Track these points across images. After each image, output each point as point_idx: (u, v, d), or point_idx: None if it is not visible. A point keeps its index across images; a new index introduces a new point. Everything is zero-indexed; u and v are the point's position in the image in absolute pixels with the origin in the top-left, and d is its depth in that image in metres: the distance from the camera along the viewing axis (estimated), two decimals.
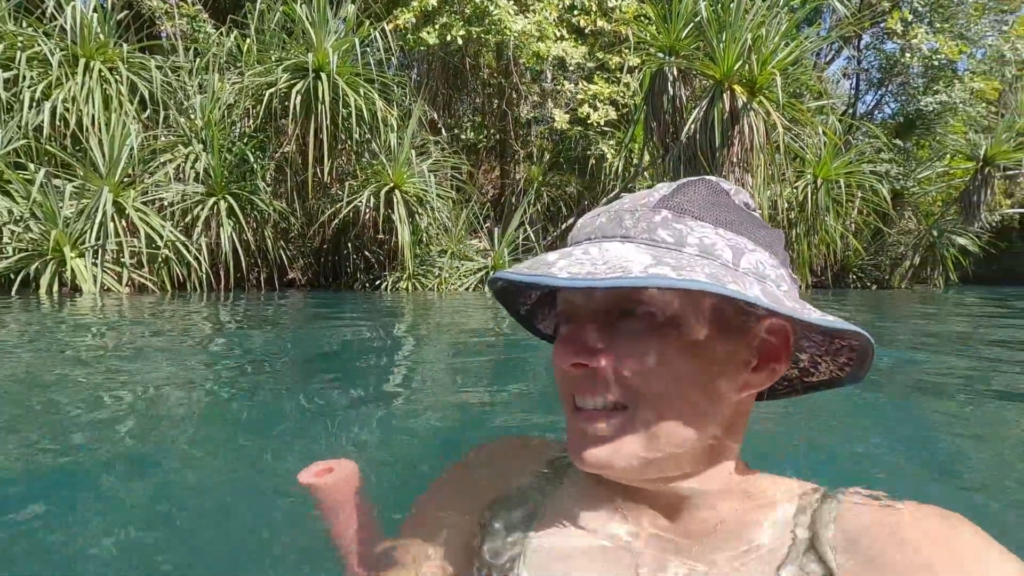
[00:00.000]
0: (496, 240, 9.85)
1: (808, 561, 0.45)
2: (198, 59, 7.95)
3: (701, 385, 0.47)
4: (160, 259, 6.71)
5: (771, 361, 0.50)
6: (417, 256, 8.71)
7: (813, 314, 0.45)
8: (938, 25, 13.36)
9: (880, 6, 13.67)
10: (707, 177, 0.51)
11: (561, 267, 0.43)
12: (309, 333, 3.52)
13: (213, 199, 7.11)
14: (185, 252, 6.79)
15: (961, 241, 12.84)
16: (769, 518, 0.49)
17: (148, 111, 7.39)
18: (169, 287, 6.77)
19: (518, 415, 1.70)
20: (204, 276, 6.93)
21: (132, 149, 6.61)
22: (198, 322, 3.88)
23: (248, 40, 8.06)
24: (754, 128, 6.87)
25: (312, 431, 1.41)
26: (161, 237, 6.66)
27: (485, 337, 3.42)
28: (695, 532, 0.50)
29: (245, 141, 7.69)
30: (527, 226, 10.51)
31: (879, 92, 15.78)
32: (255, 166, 7.63)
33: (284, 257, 8.08)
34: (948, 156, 13.44)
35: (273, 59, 7.82)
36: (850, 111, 15.38)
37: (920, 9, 13.26)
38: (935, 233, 12.83)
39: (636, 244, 0.46)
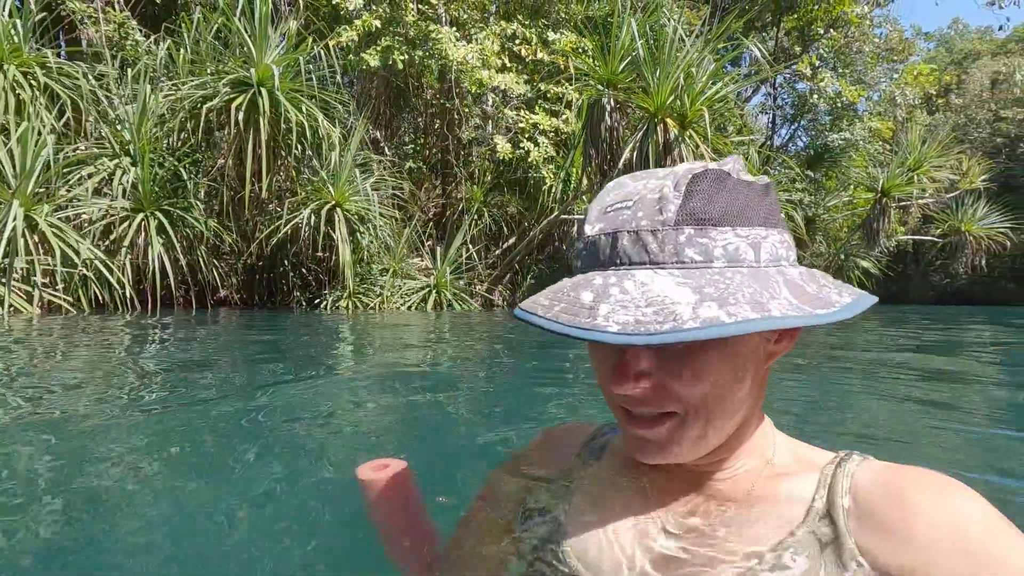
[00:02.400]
0: (439, 259, 9.88)
1: (822, 525, 0.48)
2: (127, 68, 7.57)
3: (741, 380, 0.50)
4: (77, 278, 6.27)
5: (790, 329, 0.53)
6: (358, 275, 8.59)
7: (832, 309, 0.46)
8: (840, 70, 14.84)
9: (792, 50, 15.01)
10: (709, 166, 0.50)
11: (605, 314, 0.44)
12: (237, 353, 3.42)
13: (141, 215, 6.74)
14: (106, 271, 6.37)
15: (864, 264, 14.16)
16: (788, 486, 0.52)
17: (65, 119, 6.94)
18: (87, 307, 6.33)
19: (467, 431, 1.77)
20: (127, 296, 6.53)
21: (48, 160, 6.19)
22: (113, 343, 3.68)
23: (182, 51, 7.77)
24: (684, 158, 7.35)
25: (232, 457, 1.40)
26: (78, 255, 6.23)
27: (426, 357, 3.47)
28: (718, 499, 0.53)
29: (178, 156, 7.36)
30: (469, 245, 10.61)
31: (792, 127, 17.22)
32: (188, 182, 7.32)
33: (216, 275, 7.75)
34: (852, 187, 14.85)
35: (209, 72, 7.58)
36: (768, 143, 16.68)
37: (825, 55, 14.68)
38: (843, 256, 14.09)
39: (668, 271, 0.46)
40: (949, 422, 1.89)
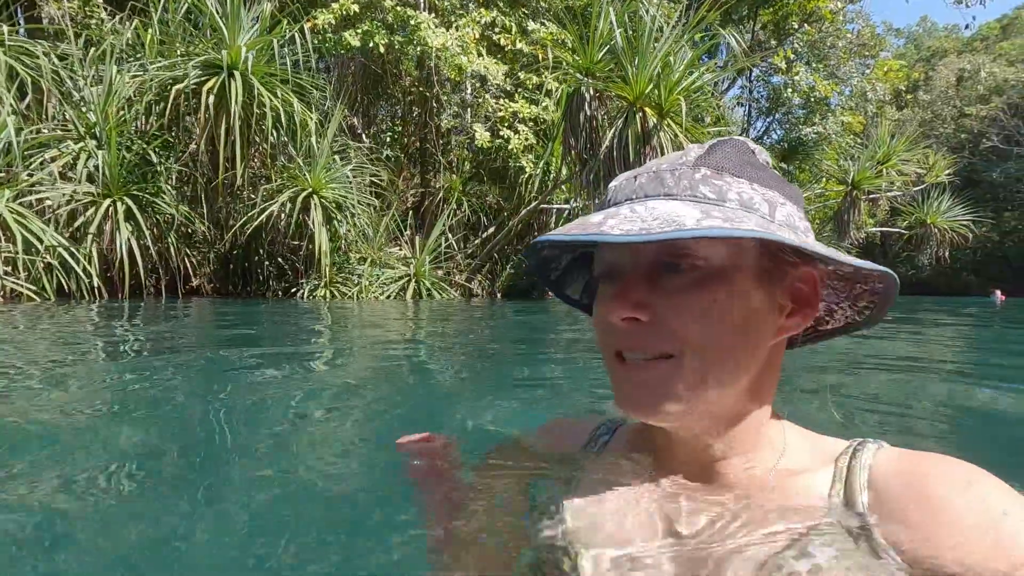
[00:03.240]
0: (418, 248, 9.81)
1: (846, 516, 0.46)
2: (92, 48, 7.29)
3: (743, 332, 0.48)
4: (41, 266, 6.05)
5: (804, 306, 0.52)
6: (335, 264, 8.48)
7: (847, 258, 0.48)
8: (814, 64, 15.10)
9: (768, 44, 15.22)
10: (736, 137, 0.53)
11: (612, 225, 0.45)
12: (208, 343, 3.35)
13: (108, 201, 6.53)
14: (70, 258, 6.16)
15: None
16: (804, 480, 0.49)
17: (28, 101, 6.67)
18: (52, 295, 6.13)
19: (450, 422, 1.77)
20: (94, 284, 6.34)
21: (11, 144, 5.94)
22: (75, 333, 3.57)
23: (150, 31, 7.51)
24: (663, 148, 7.41)
25: (199, 454, 1.37)
26: (41, 242, 6.01)
27: (405, 347, 3.45)
28: (727, 487, 0.51)
29: (147, 140, 7.14)
30: (448, 234, 10.56)
31: (768, 120, 17.49)
32: (159, 167, 7.11)
33: (188, 263, 7.56)
34: (824, 179, 15.16)
35: (179, 53, 7.35)
36: (743, 135, 16.92)
37: (800, 49, 14.91)
38: None
39: (681, 201, 0.48)
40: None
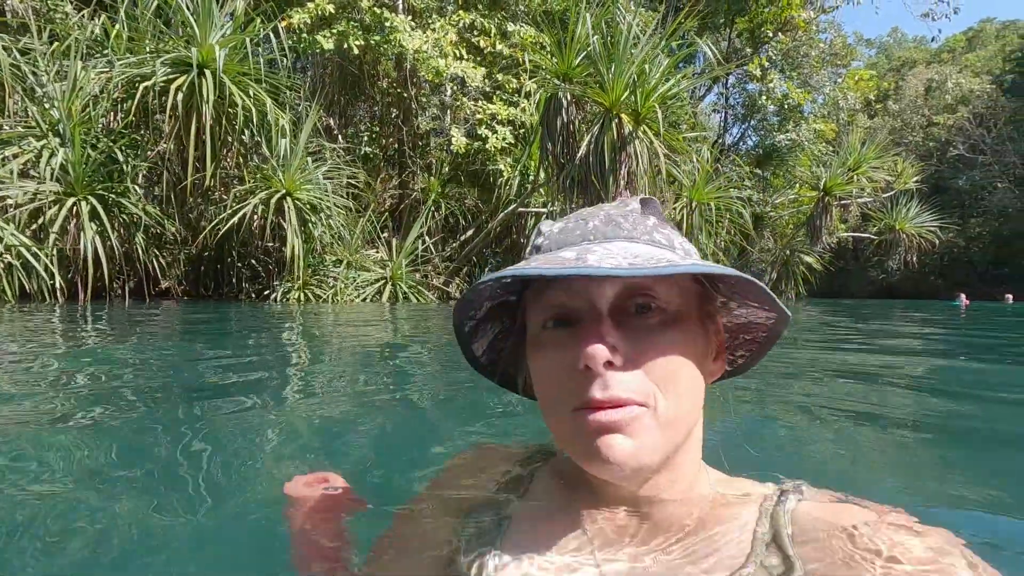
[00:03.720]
0: (395, 251, 9.74)
1: (769, 555, 0.45)
2: (56, 43, 7.09)
3: (695, 374, 0.49)
4: (0, 266, 5.86)
5: (723, 352, 0.54)
6: (310, 266, 8.37)
7: (774, 299, 0.50)
8: (788, 72, 15.41)
9: (744, 52, 15.48)
10: (652, 197, 0.55)
11: (595, 260, 0.43)
12: (173, 347, 3.28)
13: (72, 200, 6.35)
14: (32, 259, 5.97)
15: (808, 259, 14.80)
16: (731, 518, 0.49)
17: None
18: (12, 297, 5.93)
19: (418, 435, 1.75)
20: (56, 285, 6.15)
21: None
22: (33, 337, 3.46)
23: (117, 26, 7.33)
24: (639, 154, 7.47)
25: (159, 466, 1.33)
26: (1, 240, 5.82)
27: (379, 352, 3.41)
28: (659, 532, 0.49)
29: (113, 138, 6.96)
30: (426, 237, 10.51)
31: (743, 126, 17.79)
32: (125, 166, 6.93)
33: (157, 265, 7.39)
34: (797, 185, 15.49)
35: (148, 50, 7.18)
36: (719, 141, 17.18)
37: (774, 58, 15.20)
38: (788, 252, 14.68)
39: (644, 244, 0.49)
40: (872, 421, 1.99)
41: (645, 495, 0.50)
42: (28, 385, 2.10)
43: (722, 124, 18.23)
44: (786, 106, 14.90)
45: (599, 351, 0.44)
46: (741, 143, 18.18)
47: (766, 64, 14.69)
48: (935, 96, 28.32)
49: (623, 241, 0.49)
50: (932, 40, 22.97)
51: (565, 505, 0.52)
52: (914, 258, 14.56)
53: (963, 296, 16.40)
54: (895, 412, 1.95)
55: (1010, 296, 18.03)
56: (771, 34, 14.87)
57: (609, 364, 0.45)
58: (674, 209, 10.40)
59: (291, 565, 0.65)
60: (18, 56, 6.68)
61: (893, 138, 22.95)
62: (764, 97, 14.71)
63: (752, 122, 17.23)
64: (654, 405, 0.46)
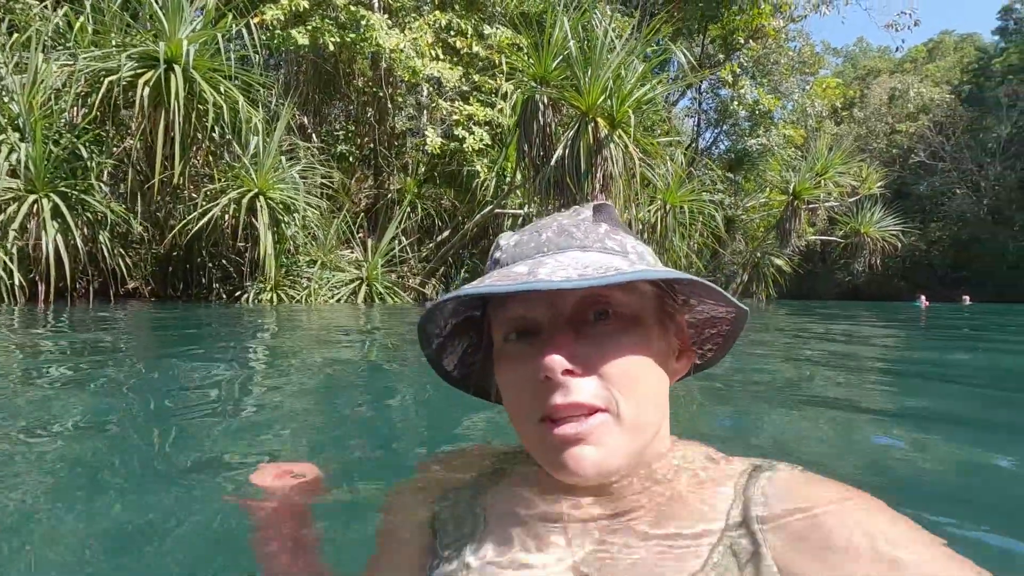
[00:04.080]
0: (370, 251, 9.64)
1: (739, 537, 0.46)
2: (16, 34, 6.83)
3: (657, 374, 0.50)
4: None
5: (687, 349, 0.56)
6: (283, 266, 8.24)
7: (728, 296, 0.53)
8: (759, 79, 15.77)
9: (716, 58, 15.79)
10: (605, 202, 0.56)
11: (546, 274, 0.45)
12: (138, 348, 3.20)
13: (33, 197, 6.13)
14: None
15: (778, 262, 15.17)
16: (704, 500, 0.49)
17: None
18: None
19: (391, 435, 1.75)
20: (16, 285, 5.93)
21: None
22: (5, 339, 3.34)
23: (82, 18, 7.10)
24: (614, 157, 7.56)
25: (123, 472, 1.31)
26: None
27: (353, 353, 3.38)
28: (633, 514, 0.50)
29: (77, 133, 6.74)
30: (402, 237, 10.43)
31: (716, 131, 18.14)
32: (89, 162, 6.72)
33: (123, 265, 7.18)
34: (768, 189, 15.85)
35: (114, 43, 6.97)
36: (692, 145, 17.48)
37: (745, 64, 15.55)
38: (759, 255, 15.02)
39: (596, 252, 0.50)
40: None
41: (616, 486, 0.51)
42: None
43: (695, 128, 18.55)
44: (757, 112, 15.25)
45: (556, 361, 0.45)
46: (714, 147, 18.54)
47: (738, 70, 15.02)
48: (898, 104, 29.32)
49: (576, 251, 0.50)
50: (896, 50, 23.82)
51: (542, 493, 0.53)
52: (878, 261, 15.04)
53: (923, 298, 17.02)
54: (862, 399, 2.03)
55: (967, 298, 18.79)
56: (743, 41, 15.20)
57: (569, 372, 0.46)
58: (649, 211, 10.54)
59: (256, 558, 0.64)
60: None
61: (858, 144, 23.68)
62: (736, 103, 15.03)
63: (724, 127, 17.59)
64: (616, 410, 0.47)
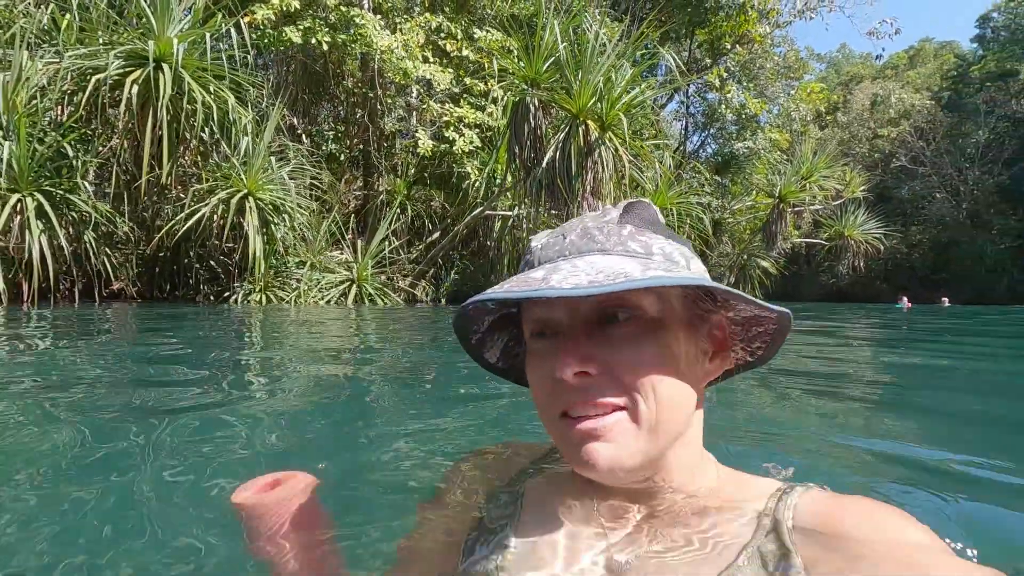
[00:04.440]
0: (360, 252, 9.60)
1: (768, 543, 0.47)
2: None
3: (681, 377, 0.50)
4: None
5: (721, 350, 0.55)
6: (272, 267, 8.18)
7: (761, 303, 0.52)
8: (745, 83, 15.98)
9: (704, 62, 15.97)
10: (640, 199, 0.57)
11: (558, 280, 0.45)
12: (125, 350, 3.16)
13: (17, 196, 6.02)
14: None
15: (764, 264, 15.35)
16: (733, 508, 0.51)
17: None
18: None
19: (385, 440, 1.76)
20: None
21: None
22: None
23: (68, 16, 7.01)
24: (604, 160, 7.62)
25: (104, 481, 1.30)
26: None
27: (343, 354, 3.38)
28: (660, 518, 0.52)
29: (62, 132, 6.64)
30: (392, 239, 10.41)
31: (703, 134, 18.32)
32: (75, 161, 6.62)
33: (108, 265, 7.08)
34: (754, 192, 16.04)
35: (101, 41, 6.89)
36: (680, 149, 17.64)
37: (732, 69, 15.75)
38: (745, 257, 15.19)
39: (616, 255, 0.50)
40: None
41: (644, 488, 0.53)
42: None
43: (683, 132, 18.73)
44: (744, 115, 15.44)
45: (569, 364, 0.47)
46: (701, 150, 18.72)
47: (725, 75, 15.20)
48: (880, 110, 29.85)
49: (596, 255, 0.51)
50: (877, 58, 24.22)
51: (575, 490, 0.56)
52: (861, 263, 15.29)
53: (905, 299, 17.33)
54: (851, 392, 2.08)
55: (946, 299, 19.17)
56: (729, 46, 15.40)
57: (583, 374, 0.48)
58: None
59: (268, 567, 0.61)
60: None
61: (842, 149, 24.08)
62: (723, 106, 15.20)
63: (712, 130, 17.78)
64: (633, 410, 0.49)
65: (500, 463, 0.64)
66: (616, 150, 7.65)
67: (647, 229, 0.54)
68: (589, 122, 7.63)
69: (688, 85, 16.25)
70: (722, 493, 0.53)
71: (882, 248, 15.66)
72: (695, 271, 0.53)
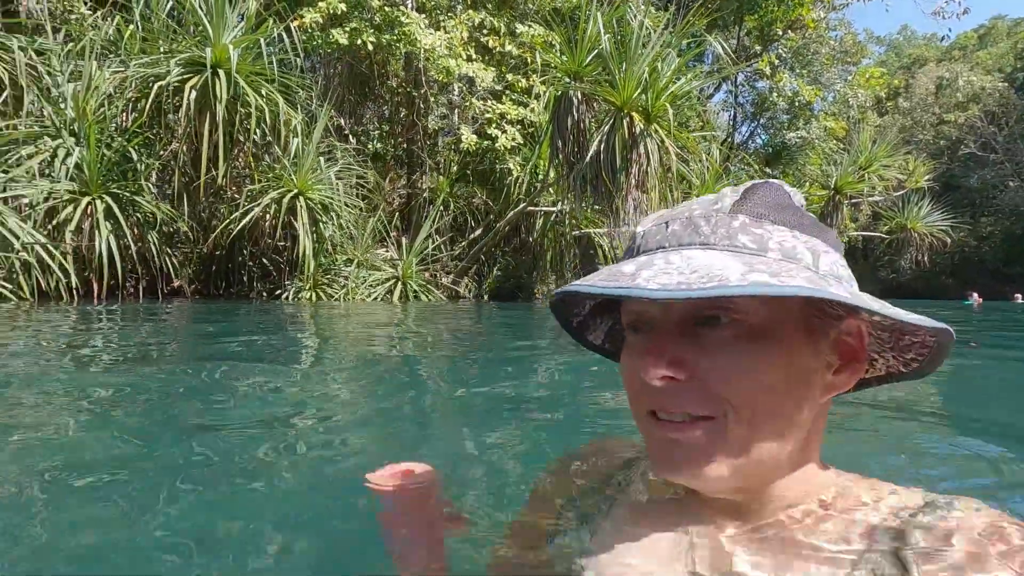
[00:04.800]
0: (404, 250, 9.75)
1: (886, 564, 0.42)
2: (71, 43, 7.15)
3: (790, 392, 0.45)
4: (18, 264, 5.91)
5: (851, 361, 0.49)
6: (321, 265, 8.40)
7: (905, 314, 0.45)
8: (798, 70, 15.33)
9: (753, 49, 15.40)
10: (771, 180, 0.50)
11: (647, 277, 0.42)
12: (191, 345, 3.29)
13: (87, 199, 6.40)
14: (48, 258, 6.03)
15: None
16: (850, 525, 0.46)
17: (5, 96, 6.52)
18: (29, 295, 5.98)
19: (451, 432, 1.75)
20: (72, 283, 6.20)
21: None
22: (69, 334, 3.50)
23: (131, 27, 7.39)
24: (651, 153, 7.45)
25: (178, 466, 1.33)
26: (18, 239, 5.87)
27: (398, 349, 3.42)
28: (766, 530, 0.47)
29: (127, 137, 7.01)
30: (435, 236, 10.52)
31: (752, 125, 17.70)
32: (139, 165, 6.98)
33: (170, 264, 7.44)
34: (807, 184, 15.37)
35: (161, 50, 7.23)
36: (728, 140, 17.10)
37: (784, 55, 15.13)
38: None
39: (719, 251, 0.45)
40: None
41: (742, 500, 0.49)
42: (48, 383, 2.12)
43: (731, 123, 18.15)
44: (796, 104, 14.81)
45: (655, 367, 0.44)
46: (750, 141, 18.10)
47: (776, 62, 14.62)
48: (946, 94, 28.08)
49: (695, 249, 0.45)
50: (943, 39, 22.80)
51: (666, 499, 0.53)
52: (925, 257, 14.44)
53: (975, 295, 16.26)
54: (924, 404, 1.94)
55: (1019, 296, 17.87)
56: (781, 32, 14.78)
57: (669, 378, 0.45)
58: None
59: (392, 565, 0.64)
60: (34, 56, 6.73)
61: (904, 136, 22.75)
62: (775, 94, 14.63)
63: (761, 120, 17.15)
64: (723, 423, 0.45)
65: (591, 462, 0.62)
66: (662, 142, 7.47)
67: (768, 218, 0.46)
68: (633, 114, 7.47)
69: (737, 74, 15.72)
70: (838, 508, 0.48)
71: (948, 241, 14.73)
72: (825, 269, 0.45)
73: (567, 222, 11.00)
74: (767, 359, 0.44)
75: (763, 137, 17.63)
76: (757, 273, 0.40)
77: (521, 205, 10.38)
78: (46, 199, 6.27)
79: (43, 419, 1.58)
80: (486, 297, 10.97)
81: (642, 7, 9.49)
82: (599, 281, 0.44)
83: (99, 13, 7.61)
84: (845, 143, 16.32)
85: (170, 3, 7.49)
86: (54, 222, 6.32)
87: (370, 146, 11.14)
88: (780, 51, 15.17)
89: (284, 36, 7.82)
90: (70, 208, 6.34)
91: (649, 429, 0.48)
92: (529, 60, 10.25)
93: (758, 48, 15.42)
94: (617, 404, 1.81)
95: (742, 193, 0.48)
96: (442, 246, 10.72)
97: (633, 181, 7.42)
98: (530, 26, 10.20)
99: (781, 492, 0.48)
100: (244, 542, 0.93)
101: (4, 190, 6.10)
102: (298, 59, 8.23)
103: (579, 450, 0.65)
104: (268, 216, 7.72)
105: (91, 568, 0.83)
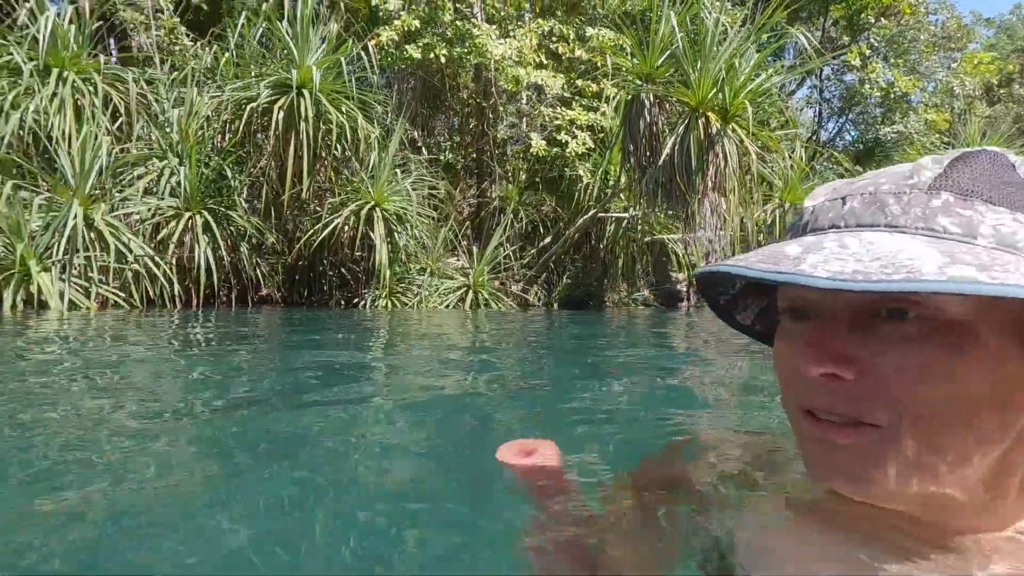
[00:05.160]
0: (475, 259, 9.88)
1: None
2: (175, 72, 7.85)
3: (990, 405, 0.38)
4: (129, 274, 6.51)
5: None
6: (396, 274, 8.67)
7: None
8: (893, 60, 14.17)
9: (840, 40, 14.43)
10: (989, 148, 0.42)
11: (813, 263, 0.35)
12: (284, 350, 3.45)
13: (188, 214, 6.96)
14: (154, 268, 6.61)
15: None
16: None
17: (119, 123, 7.25)
18: (139, 303, 6.57)
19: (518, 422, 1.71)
20: (175, 292, 6.75)
21: (103, 162, 6.45)
22: (181, 338, 3.77)
23: (227, 54, 8.01)
24: (728, 153, 7.12)
25: (276, 465, 1.36)
26: (131, 251, 6.47)
27: (474, 354, 3.42)
28: (938, 557, 0.40)
29: (222, 156, 7.58)
30: (506, 244, 10.59)
31: (840, 120, 16.55)
32: (232, 181, 7.52)
33: (259, 274, 7.94)
34: None
35: (252, 74, 7.78)
36: (814, 138, 16.08)
37: (876, 44, 14.05)
38: None
39: (911, 235, 0.37)
40: None
41: (914, 516, 0.41)
42: (158, 382, 2.26)
43: (816, 119, 17.08)
44: (891, 96, 13.70)
45: (818, 361, 0.38)
46: (838, 139, 16.92)
47: (867, 52, 13.60)
48: None
49: (880, 231, 0.38)
50: None
51: (826, 502, 0.46)
52: None
53: None
54: None
55: None
56: (872, 20, 13.76)
57: (832, 376, 0.38)
58: (765, 211, 9.83)
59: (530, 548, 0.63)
60: (144, 86, 7.43)
61: (1019, 127, 20.47)
62: (867, 86, 13.59)
63: (850, 115, 15.99)
64: (896, 433, 0.38)
65: (716, 450, 0.59)
66: (741, 141, 7.12)
67: (979, 196, 0.38)
68: (709, 114, 7.18)
69: (822, 67, 14.79)
70: None
71: None
72: None
73: (639, 228, 10.74)
74: (966, 364, 0.37)
75: (852, 133, 16.43)
76: (960, 266, 0.33)
77: (591, 212, 10.25)
78: (153, 215, 6.87)
79: (183, 410, 1.68)
80: (555, 305, 10.89)
81: (717, 3, 9.14)
82: (757, 263, 0.38)
83: (199, 43, 8.30)
84: (949, 136, 14.90)
85: (260, 30, 8.04)
86: (159, 236, 6.92)
87: (442, 157, 11.41)
88: (872, 40, 14.10)
89: (362, 54, 8.18)
90: (173, 223, 6.91)
91: (802, 426, 0.42)
92: (600, 63, 10.14)
93: (846, 39, 14.42)
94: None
95: (947, 164, 0.40)
96: (512, 254, 10.77)
97: (710, 183, 7.11)
98: (599, 30, 10.10)
99: (962, 514, 0.40)
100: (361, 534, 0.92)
101: (119, 207, 6.76)
102: (375, 76, 8.58)
103: (693, 436, 0.62)
104: (347, 227, 8.06)
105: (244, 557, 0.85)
